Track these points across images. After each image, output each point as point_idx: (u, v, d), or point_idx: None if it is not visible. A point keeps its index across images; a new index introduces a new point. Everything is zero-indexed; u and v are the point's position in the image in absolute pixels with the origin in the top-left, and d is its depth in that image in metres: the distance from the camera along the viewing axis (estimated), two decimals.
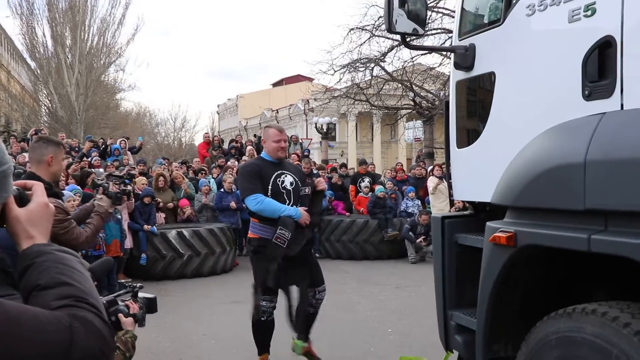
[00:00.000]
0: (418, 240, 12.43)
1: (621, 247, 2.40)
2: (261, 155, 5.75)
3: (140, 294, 2.75)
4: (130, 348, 2.52)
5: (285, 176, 5.48)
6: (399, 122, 27.94)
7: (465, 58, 3.56)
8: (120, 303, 2.56)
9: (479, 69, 3.52)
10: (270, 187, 5.37)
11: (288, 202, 5.39)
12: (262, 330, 5.82)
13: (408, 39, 3.61)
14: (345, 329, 7.35)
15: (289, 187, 5.47)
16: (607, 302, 2.62)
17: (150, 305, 2.78)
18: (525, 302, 3.14)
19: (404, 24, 3.44)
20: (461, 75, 3.66)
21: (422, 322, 7.27)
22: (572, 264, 3.01)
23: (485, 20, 3.55)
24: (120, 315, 2.50)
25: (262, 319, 5.66)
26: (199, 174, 14.26)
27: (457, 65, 3.63)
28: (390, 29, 3.43)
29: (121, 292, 2.68)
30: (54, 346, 1.41)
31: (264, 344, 5.87)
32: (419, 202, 13.78)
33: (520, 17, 3.20)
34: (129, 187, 5.63)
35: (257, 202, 5.27)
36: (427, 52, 20.01)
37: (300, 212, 5.32)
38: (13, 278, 1.91)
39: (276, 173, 5.41)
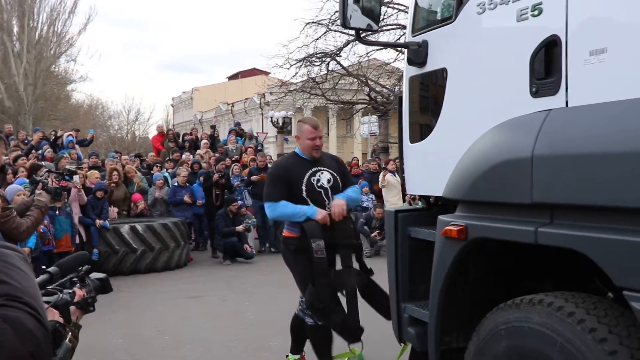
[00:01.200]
0: (373, 234, 12.53)
1: (566, 240, 2.49)
2: (295, 151, 5.31)
3: (92, 275, 2.69)
4: (72, 339, 2.51)
5: (322, 173, 5.07)
6: (354, 117, 28.07)
7: (418, 54, 3.62)
8: (62, 294, 2.51)
9: (431, 65, 3.59)
10: (304, 187, 4.97)
11: (327, 201, 4.98)
12: (316, 337, 5.33)
13: (362, 35, 3.65)
14: None
15: (325, 185, 5.05)
16: (553, 292, 2.71)
17: (102, 286, 2.73)
18: (475, 294, 3.22)
19: (359, 20, 3.48)
20: (414, 71, 3.72)
21: (376, 316, 7.32)
22: (520, 257, 3.10)
23: (438, 17, 3.61)
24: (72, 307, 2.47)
25: (310, 322, 5.23)
26: (154, 168, 14.13)
27: (410, 61, 3.69)
28: (345, 24, 3.46)
29: (65, 279, 2.63)
30: None
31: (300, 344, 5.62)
32: (373, 196, 13.89)
33: (471, 14, 3.27)
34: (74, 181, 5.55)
35: (271, 209, 5.02)
36: (381, 47, 20.15)
37: (316, 211, 4.89)
38: None
39: (310, 171, 5.02)
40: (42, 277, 2.51)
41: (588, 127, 2.51)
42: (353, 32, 3.69)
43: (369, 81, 22.45)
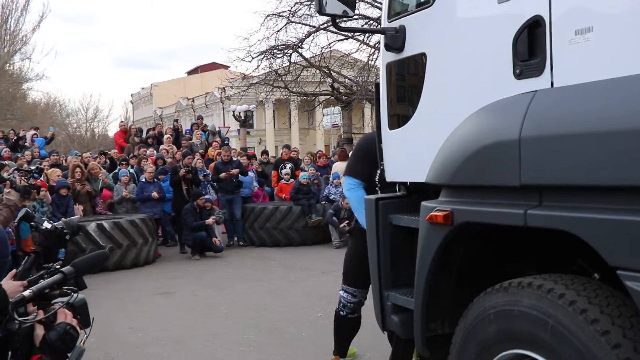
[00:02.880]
0: (342, 225, 12.51)
1: (556, 221, 2.46)
2: None
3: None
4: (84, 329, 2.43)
5: None
6: (317, 109, 28.03)
7: (395, 39, 3.56)
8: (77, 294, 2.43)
9: (409, 50, 3.53)
10: (379, 171, 4.29)
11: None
12: (339, 326, 5.17)
13: (338, 21, 3.59)
14: (275, 316, 7.34)
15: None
16: (542, 275, 2.69)
17: (76, 284, 2.63)
18: (461, 279, 3.19)
19: (334, 6, 3.41)
20: (391, 56, 3.66)
21: None
22: (504, 241, 3.08)
23: (415, 2, 3.56)
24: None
25: (342, 313, 5.02)
26: (122, 164, 13.92)
27: (387, 47, 3.63)
28: (321, 10, 3.39)
29: (35, 276, 2.53)
30: None
31: (340, 343, 5.28)
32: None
33: None
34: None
35: (349, 188, 4.72)
36: (346, 37, 20.13)
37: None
38: None
39: None
40: (54, 277, 2.40)
41: (576, 107, 2.47)
42: (315, 23, 3.64)
43: (331, 72, 22.41)
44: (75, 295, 2.39)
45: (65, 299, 2.34)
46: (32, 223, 3.00)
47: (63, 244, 2.88)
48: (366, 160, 4.54)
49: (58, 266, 2.51)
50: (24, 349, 2.13)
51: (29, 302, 2.27)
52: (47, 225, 2.87)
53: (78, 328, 2.30)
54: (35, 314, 2.26)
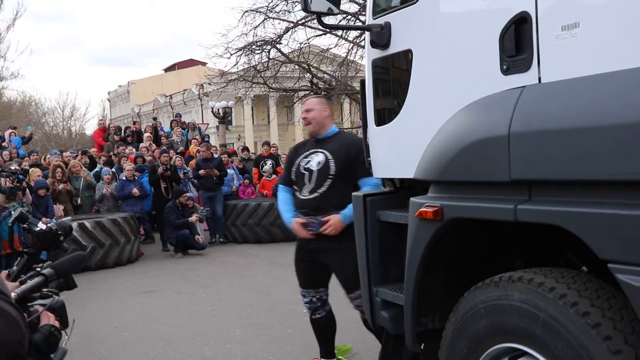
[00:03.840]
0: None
1: (546, 215, 2.47)
2: None
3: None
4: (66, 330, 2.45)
5: (316, 155, 4.75)
6: (296, 104, 27.98)
7: (381, 36, 3.55)
8: (57, 297, 2.43)
9: (395, 47, 3.52)
10: (294, 168, 4.82)
11: (309, 185, 4.70)
12: (313, 328, 5.21)
13: (323, 18, 3.57)
14: (261, 312, 7.32)
15: (313, 167, 4.71)
16: (532, 269, 2.70)
17: (66, 283, 2.65)
18: (451, 274, 3.20)
19: (319, 3, 3.40)
20: (377, 53, 3.65)
21: (336, 301, 7.32)
22: (493, 236, 3.09)
23: None
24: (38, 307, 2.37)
25: (309, 315, 5.14)
26: (105, 164, 13.83)
27: (373, 44, 3.62)
28: (306, 8, 3.37)
29: (25, 277, 2.52)
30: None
31: (320, 344, 5.25)
32: None
33: None
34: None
35: (277, 196, 5.06)
36: (324, 32, 20.09)
37: (291, 222, 4.80)
38: None
39: (308, 152, 4.80)
40: (36, 280, 2.40)
41: (564, 102, 2.48)
42: (293, 18, 3.62)
43: (310, 67, 22.38)
44: (56, 297, 2.40)
45: (46, 301, 2.35)
46: (25, 225, 2.97)
47: (57, 245, 2.87)
48: (287, 164, 5.05)
49: (39, 268, 2.50)
50: None
51: (19, 304, 2.27)
52: (42, 226, 2.85)
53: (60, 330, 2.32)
54: None
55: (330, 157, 4.70)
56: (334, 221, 4.57)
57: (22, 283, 2.43)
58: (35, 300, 2.37)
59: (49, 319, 2.29)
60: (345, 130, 29.72)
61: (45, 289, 2.45)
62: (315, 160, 4.75)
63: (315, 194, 4.71)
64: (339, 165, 4.66)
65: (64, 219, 3.05)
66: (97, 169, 14.09)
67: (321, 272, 4.95)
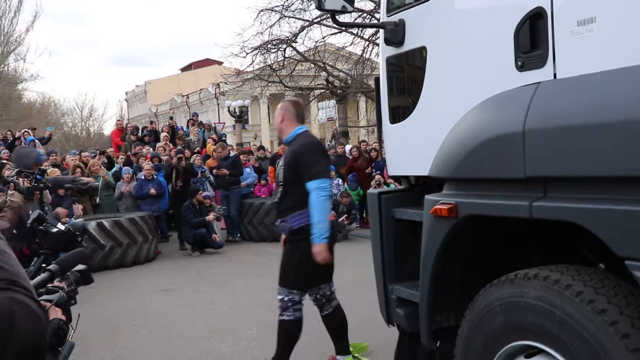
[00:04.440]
0: (340, 219, 12.50)
1: (562, 212, 2.45)
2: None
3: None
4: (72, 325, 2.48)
5: (282, 159, 4.98)
6: (312, 103, 28.00)
7: (395, 33, 3.54)
8: (63, 292, 2.47)
9: (409, 44, 3.52)
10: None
11: (280, 189, 4.92)
12: (325, 326, 5.41)
13: (337, 16, 3.57)
14: (277, 311, 7.30)
15: (279, 171, 4.97)
16: (547, 266, 2.68)
17: (83, 277, 2.70)
18: (466, 272, 3.18)
19: (333, 2, 3.40)
20: (391, 51, 3.65)
21: (351, 299, 7.32)
22: (508, 233, 3.07)
23: None
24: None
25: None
26: (125, 164, 13.92)
27: (387, 41, 3.61)
28: (320, 6, 3.37)
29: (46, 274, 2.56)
30: None
31: (333, 342, 5.39)
32: (340, 180, 13.86)
33: None
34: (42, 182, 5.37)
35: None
36: (340, 30, 20.09)
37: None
38: None
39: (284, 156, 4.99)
40: (43, 276, 2.45)
41: (579, 98, 2.46)
42: (308, 16, 3.62)
43: (326, 66, 22.38)
44: (61, 293, 2.44)
45: (53, 297, 2.40)
46: (41, 227, 3.00)
47: (74, 245, 2.91)
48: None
49: (44, 265, 2.55)
50: None
51: None
52: (60, 227, 2.89)
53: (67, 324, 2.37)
54: None
55: (282, 163, 4.94)
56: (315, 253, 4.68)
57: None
58: (42, 296, 2.41)
59: (56, 313, 2.33)
60: (362, 127, 29.76)
61: (51, 285, 2.49)
62: (280, 164, 5.00)
63: (279, 198, 4.96)
64: (287, 170, 4.79)
65: (76, 221, 3.10)
66: (115, 169, 14.17)
67: None
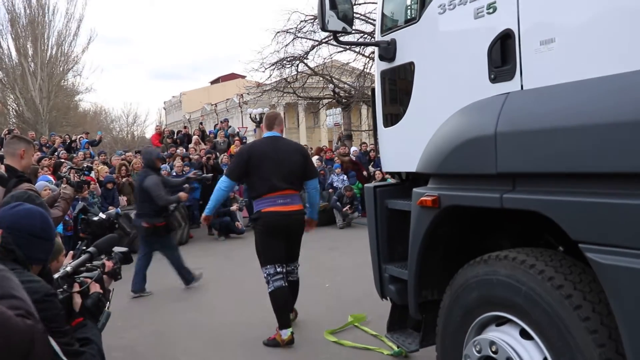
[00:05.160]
0: (344, 209, 12.50)
1: (527, 203, 2.46)
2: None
3: (116, 249, 2.72)
4: (108, 297, 2.54)
5: None
6: (320, 110, 27.94)
7: (387, 51, 3.55)
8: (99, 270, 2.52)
9: (400, 60, 3.52)
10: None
11: None
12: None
13: (339, 36, 3.57)
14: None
15: None
16: (516, 249, 2.69)
17: (125, 257, 2.76)
18: (447, 254, 3.19)
19: (335, 24, 3.41)
20: (384, 65, 3.65)
21: (353, 277, 7.35)
22: (483, 222, 3.07)
23: (404, 18, 3.54)
24: (88, 279, 2.44)
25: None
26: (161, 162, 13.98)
27: (381, 57, 3.62)
28: (324, 27, 3.38)
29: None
30: (15, 351, 1.44)
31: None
32: (345, 176, 13.86)
33: (433, 15, 3.21)
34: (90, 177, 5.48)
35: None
36: (345, 49, 20.03)
37: None
38: (15, 253, 1.88)
39: None
40: (83, 257, 2.50)
41: (543, 105, 2.46)
42: (318, 37, 3.63)
43: (333, 79, 22.33)
44: (99, 271, 2.50)
45: (93, 274, 2.46)
46: (85, 216, 3.06)
47: (113, 231, 2.97)
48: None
49: (84, 247, 2.61)
50: (66, 314, 2.19)
51: (71, 276, 2.37)
52: (102, 216, 2.94)
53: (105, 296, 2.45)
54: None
55: None
56: None
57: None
58: (82, 273, 2.46)
59: (96, 287, 2.39)
60: (364, 131, 29.70)
61: (90, 264, 2.55)
62: None
63: None
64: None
65: (109, 212, 3.17)
66: None
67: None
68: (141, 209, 7.35)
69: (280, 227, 5.11)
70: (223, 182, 5.22)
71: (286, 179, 5.10)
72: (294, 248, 5.37)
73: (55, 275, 2.30)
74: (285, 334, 5.06)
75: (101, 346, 2.19)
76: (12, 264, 1.89)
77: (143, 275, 7.28)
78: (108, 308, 2.45)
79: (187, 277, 7.56)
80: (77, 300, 2.28)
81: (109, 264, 2.61)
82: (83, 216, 3.08)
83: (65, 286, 2.28)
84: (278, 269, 5.14)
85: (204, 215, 5.63)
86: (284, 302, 5.15)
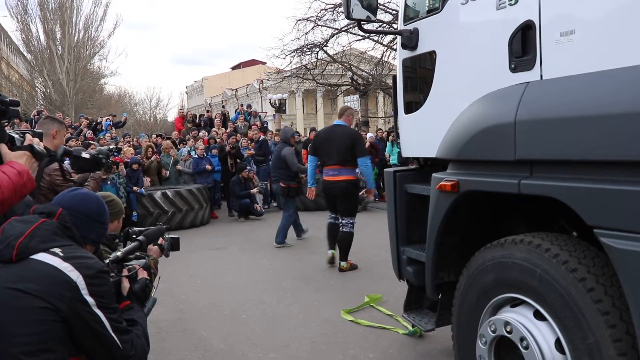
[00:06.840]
0: (361, 193, 12.51)
1: (544, 189, 2.48)
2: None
3: (166, 236, 2.84)
4: (155, 267, 2.72)
5: None
6: (339, 97, 27.90)
7: (410, 39, 3.56)
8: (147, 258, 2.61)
9: (422, 48, 3.54)
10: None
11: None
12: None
13: (363, 24, 3.59)
14: (308, 267, 7.43)
15: None
16: (531, 233, 2.71)
17: (173, 244, 2.86)
18: (464, 237, 3.22)
19: (359, 12, 3.43)
20: (407, 54, 3.67)
21: (370, 258, 7.40)
22: (500, 206, 3.09)
23: (427, 8, 3.55)
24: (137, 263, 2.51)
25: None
26: (180, 144, 14.08)
27: (403, 46, 3.64)
28: (349, 16, 3.40)
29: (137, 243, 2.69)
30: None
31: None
32: None
33: (456, 5, 3.22)
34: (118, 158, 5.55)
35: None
36: (363, 37, 19.95)
37: None
38: (72, 231, 1.95)
39: None
40: (133, 244, 2.57)
41: (561, 95, 2.47)
42: (337, 25, 3.65)
43: (351, 67, 22.26)
44: (147, 259, 2.58)
45: (141, 262, 2.53)
46: (71, 155, 3.11)
47: (99, 168, 3.05)
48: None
49: (135, 236, 2.67)
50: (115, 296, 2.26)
51: (120, 262, 2.45)
52: (85, 155, 3.00)
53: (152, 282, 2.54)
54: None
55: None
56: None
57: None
58: (131, 261, 2.52)
59: (144, 274, 2.45)
60: (380, 118, 29.59)
61: (138, 252, 2.61)
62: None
63: None
64: None
65: (102, 148, 3.24)
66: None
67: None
68: (277, 174, 8.93)
69: (327, 190, 7.02)
70: (309, 160, 7.31)
71: (334, 156, 6.80)
72: (341, 206, 6.96)
73: (106, 260, 2.36)
74: (329, 253, 7.30)
75: (146, 329, 2.23)
76: (69, 240, 1.97)
77: (287, 231, 8.97)
78: (154, 294, 2.52)
79: (298, 231, 9.42)
80: (126, 284, 2.33)
81: (161, 240, 2.74)
82: (73, 155, 3.10)
83: (115, 271, 2.34)
84: (332, 215, 7.23)
85: (309, 187, 7.48)
86: (329, 231, 7.30)
